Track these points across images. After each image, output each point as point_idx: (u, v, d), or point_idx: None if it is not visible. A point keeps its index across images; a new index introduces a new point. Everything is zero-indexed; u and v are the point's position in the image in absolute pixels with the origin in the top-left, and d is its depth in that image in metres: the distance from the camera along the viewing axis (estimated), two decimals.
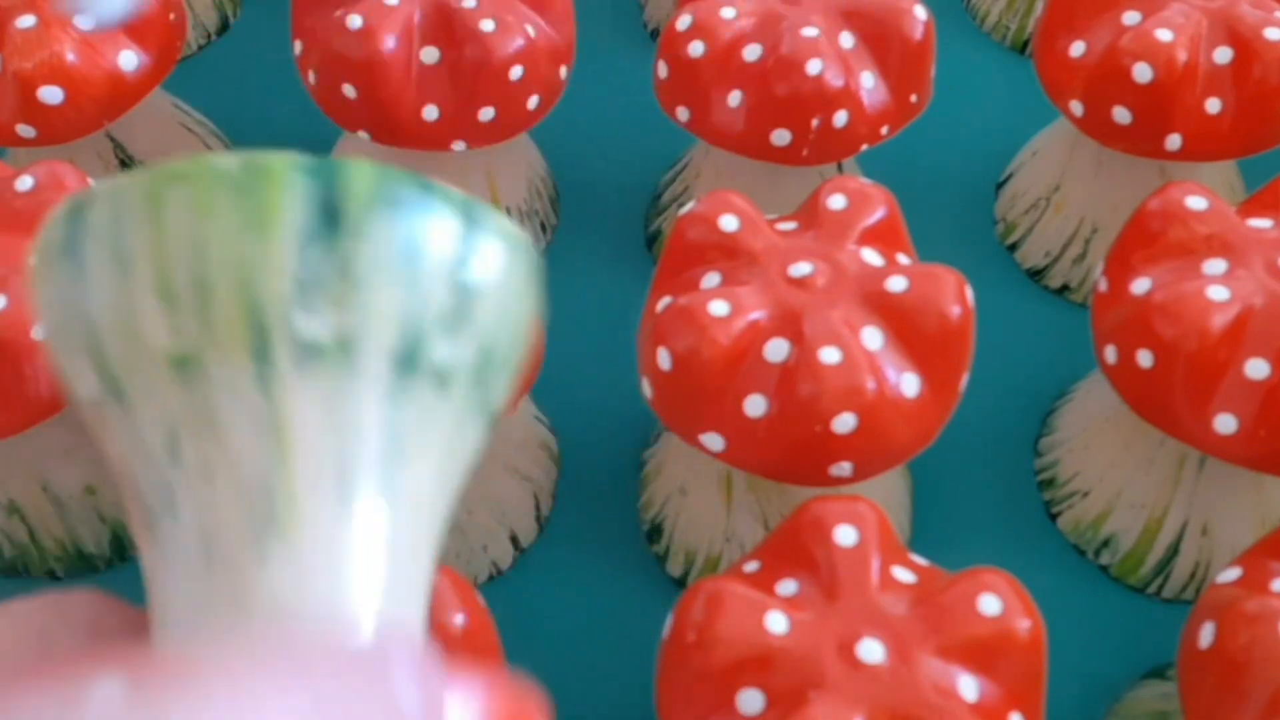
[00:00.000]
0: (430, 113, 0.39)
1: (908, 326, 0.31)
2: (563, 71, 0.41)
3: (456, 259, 0.18)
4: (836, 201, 0.34)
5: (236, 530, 0.17)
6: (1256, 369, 0.31)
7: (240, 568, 0.17)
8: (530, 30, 0.40)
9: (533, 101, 0.41)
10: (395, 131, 0.40)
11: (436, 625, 0.26)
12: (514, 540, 0.38)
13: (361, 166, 0.18)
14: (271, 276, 0.17)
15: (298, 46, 0.41)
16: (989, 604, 0.26)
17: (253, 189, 0.17)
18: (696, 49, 0.39)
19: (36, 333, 0.19)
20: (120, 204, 0.17)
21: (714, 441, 0.32)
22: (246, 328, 0.17)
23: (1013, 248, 0.46)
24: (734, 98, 0.39)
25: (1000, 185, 0.48)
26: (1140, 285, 0.33)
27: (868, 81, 0.39)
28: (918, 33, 0.39)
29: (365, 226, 0.17)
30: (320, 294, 0.17)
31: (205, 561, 0.17)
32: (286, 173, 0.17)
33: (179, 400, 0.17)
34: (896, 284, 0.32)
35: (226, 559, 0.17)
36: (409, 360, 0.17)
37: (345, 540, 0.17)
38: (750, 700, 0.25)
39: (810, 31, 0.38)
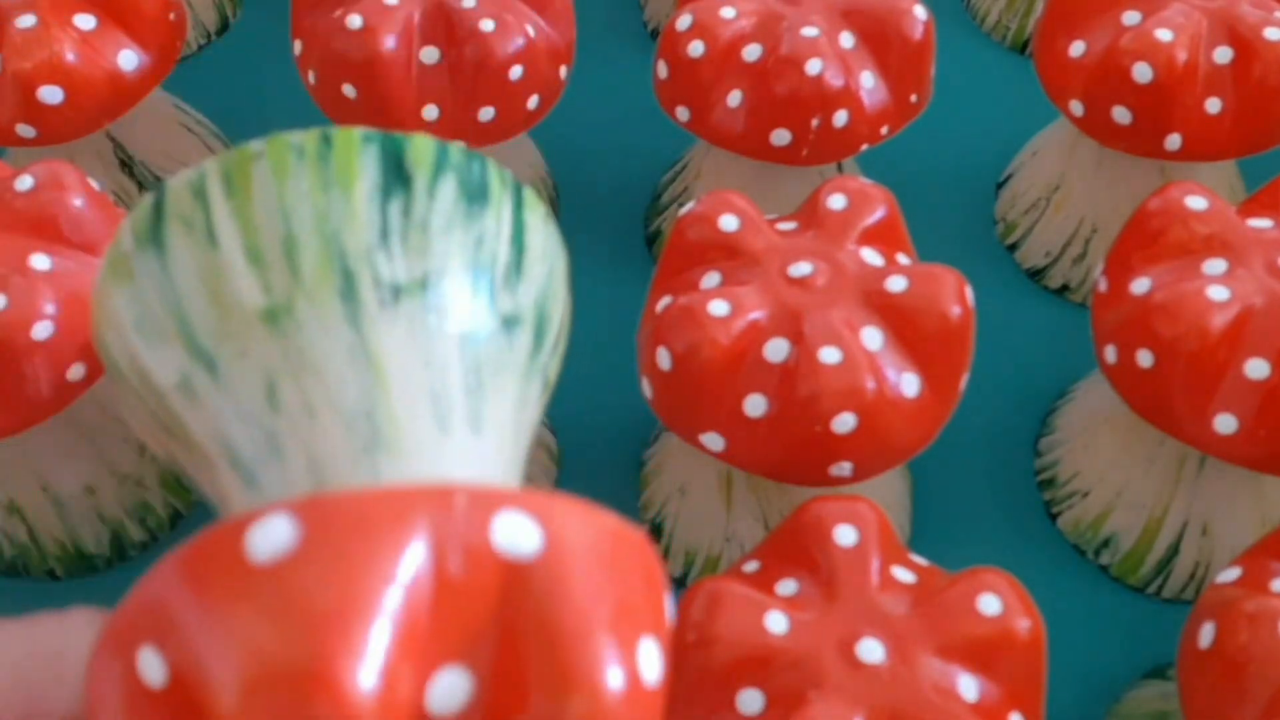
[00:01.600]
0: (430, 113, 0.39)
1: (908, 326, 0.31)
2: (563, 71, 0.41)
3: (512, 219, 0.20)
4: (836, 201, 0.34)
5: (347, 454, 0.18)
6: (1256, 369, 0.31)
7: (356, 488, 0.18)
8: (530, 30, 0.40)
9: (533, 101, 0.41)
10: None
11: None
12: None
13: (421, 137, 0.19)
14: (355, 227, 0.18)
15: (298, 46, 0.41)
16: (989, 604, 0.26)
17: (329, 156, 0.19)
18: (696, 49, 0.39)
19: (93, 342, 0.20)
20: (200, 186, 0.18)
21: (714, 441, 0.32)
22: (334, 274, 0.18)
23: (1013, 248, 0.46)
24: (734, 98, 0.39)
25: (1000, 185, 0.48)
26: (1140, 285, 0.33)
27: (868, 81, 0.39)
28: (918, 33, 0.39)
29: (435, 186, 0.19)
30: (400, 242, 0.19)
31: (318, 490, 0.18)
32: (357, 141, 0.19)
33: (274, 350, 0.18)
34: (896, 284, 0.32)
35: (340, 483, 0.18)
36: (480, 305, 0.19)
37: (448, 458, 0.18)
38: (750, 700, 0.25)
39: (810, 31, 0.38)
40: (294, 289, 0.18)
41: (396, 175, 0.19)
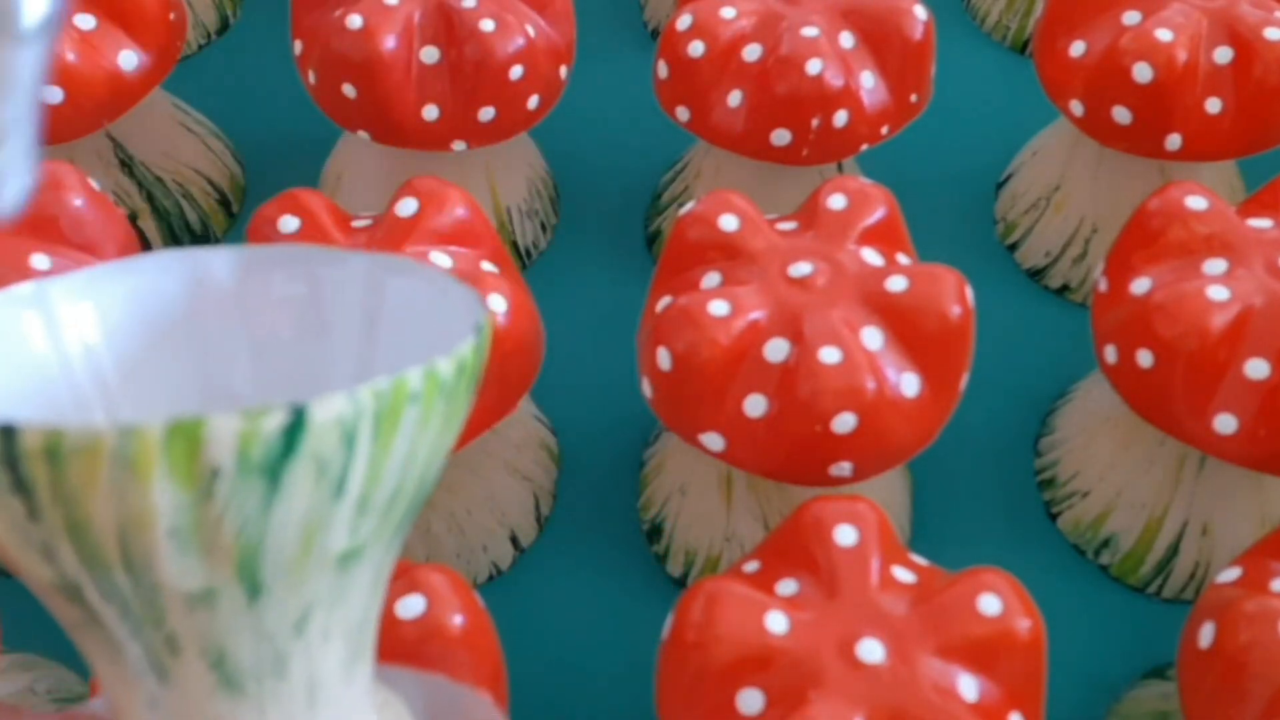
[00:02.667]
0: (430, 113, 0.39)
1: (908, 326, 0.31)
2: (563, 71, 0.41)
3: None
4: (836, 201, 0.34)
5: (339, 669, 0.18)
6: (1256, 369, 0.31)
7: (338, 699, 0.18)
8: (530, 30, 0.40)
9: (533, 101, 0.41)
10: (395, 131, 0.40)
11: (436, 625, 0.26)
12: (514, 540, 0.38)
13: (482, 349, 0.18)
14: (439, 466, 0.18)
15: (298, 46, 0.41)
16: (989, 604, 0.26)
17: (457, 391, 0.17)
18: (696, 49, 0.39)
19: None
20: (353, 429, 0.16)
21: (714, 441, 0.32)
22: (408, 515, 0.18)
23: (1013, 248, 0.46)
24: (734, 98, 0.39)
25: (1000, 185, 0.48)
26: (1140, 285, 0.33)
27: (868, 81, 0.39)
28: (918, 33, 0.39)
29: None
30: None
31: (309, 704, 0.18)
32: (471, 369, 0.17)
33: (328, 586, 0.17)
34: (896, 284, 0.32)
35: (328, 697, 0.18)
36: None
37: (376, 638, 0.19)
38: (750, 700, 0.25)
39: (810, 31, 0.38)
40: (375, 534, 0.17)
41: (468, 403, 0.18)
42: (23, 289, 0.19)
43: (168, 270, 0.20)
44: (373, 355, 0.20)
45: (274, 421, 0.15)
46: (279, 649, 0.17)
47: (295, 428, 0.15)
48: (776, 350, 0.31)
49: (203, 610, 0.16)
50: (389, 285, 0.20)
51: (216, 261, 0.21)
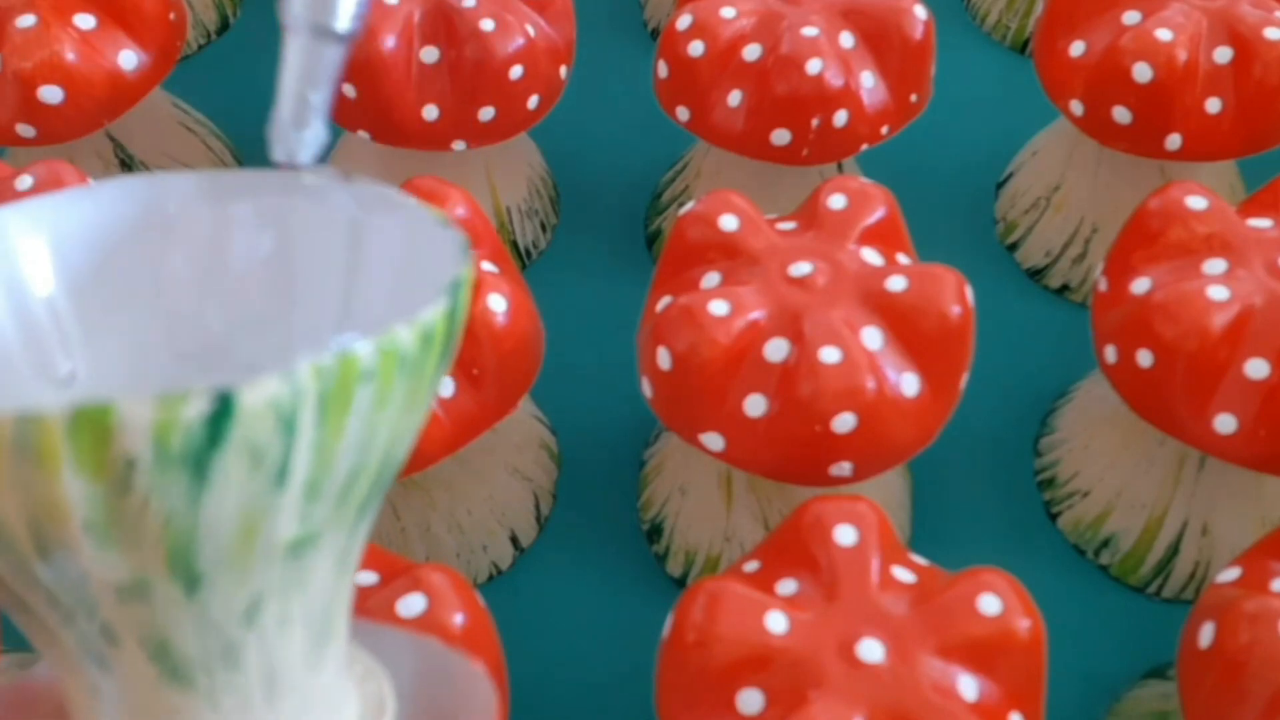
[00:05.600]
0: (430, 112, 0.39)
1: (908, 326, 0.31)
2: (563, 71, 0.41)
3: None
4: (836, 201, 0.34)
5: (301, 657, 0.17)
6: (1256, 369, 0.31)
7: (302, 686, 0.17)
8: (530, 30, 0.40)
9: (533, 101, 0.41)
10: (395, 131, 0.40)
11: (436, 625, 0.26)
12: (514, 540, 0.38)
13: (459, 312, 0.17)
14: (407, 444, 0.16)
15: None
16: (989, 604, 0.26)
17: (423, 364, 0.16)
18: (696, 49, 0.39)
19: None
20: (291, 413, 0.14)
21: (714, 441, 0.32)
22: (372, 497, 0.16)
23: (1013, 248, 0.46)
24: (734, 98, 0.39)
25: (1000, 185, 0.48)
26: (1140, 285, 0.33)
27: (868, 81, 0.39)
28: (918, 32, 0.39)
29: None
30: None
31: (268, 694, 0.17)
32: (440, 338, 0.16)
33: (278, 574, 0.16)
34: (896, 284, 0.32)
35: (291, 685, 0.17)
36: None
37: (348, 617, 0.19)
38: (750, 700, 0.25)
39: (810, 31, 0.38)
40: (331, 519, 0.16)
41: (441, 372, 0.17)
42: None
43: (127, 196, 0.19)
44: (354, 287, 0.19)
45: (194, 409, 0.14)
46: (228, 639, 0.16)
47: (221, 415, 0.14)
48: (776, 350, 0.31)
49: (137, 602, 0.15)
50: (371, 221, 0.19)
51: (178, 186, 0.19)
